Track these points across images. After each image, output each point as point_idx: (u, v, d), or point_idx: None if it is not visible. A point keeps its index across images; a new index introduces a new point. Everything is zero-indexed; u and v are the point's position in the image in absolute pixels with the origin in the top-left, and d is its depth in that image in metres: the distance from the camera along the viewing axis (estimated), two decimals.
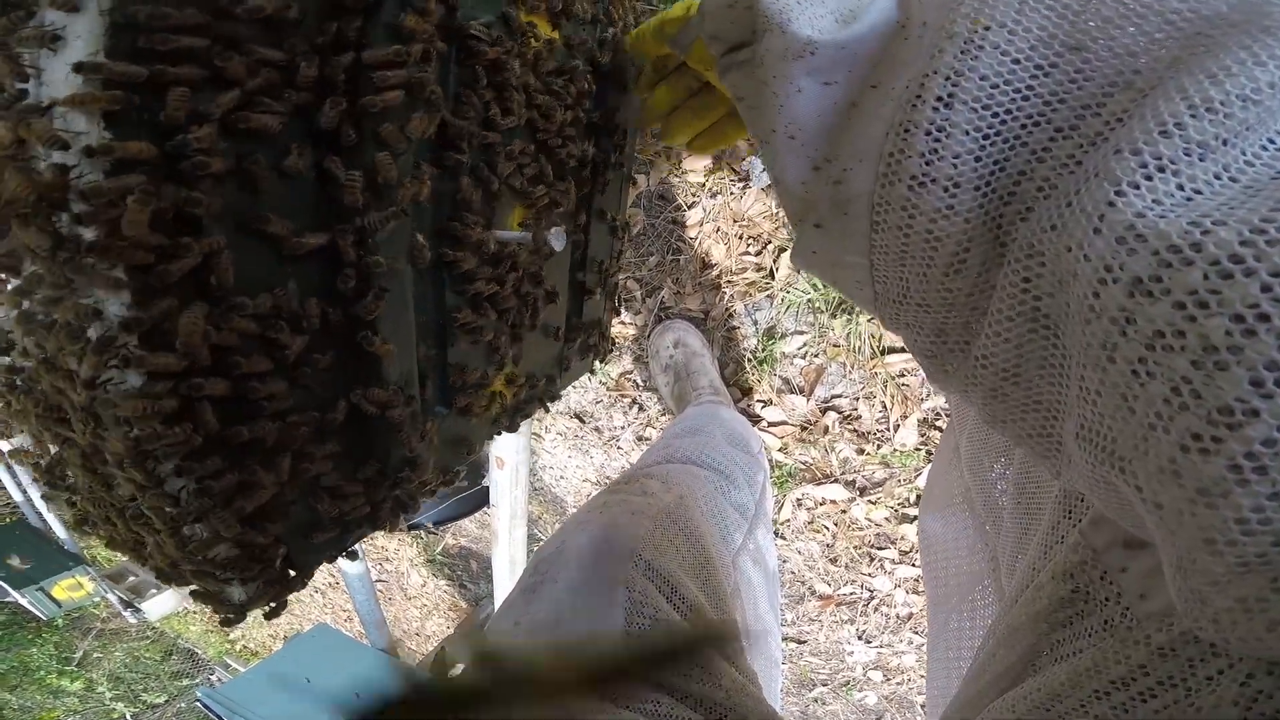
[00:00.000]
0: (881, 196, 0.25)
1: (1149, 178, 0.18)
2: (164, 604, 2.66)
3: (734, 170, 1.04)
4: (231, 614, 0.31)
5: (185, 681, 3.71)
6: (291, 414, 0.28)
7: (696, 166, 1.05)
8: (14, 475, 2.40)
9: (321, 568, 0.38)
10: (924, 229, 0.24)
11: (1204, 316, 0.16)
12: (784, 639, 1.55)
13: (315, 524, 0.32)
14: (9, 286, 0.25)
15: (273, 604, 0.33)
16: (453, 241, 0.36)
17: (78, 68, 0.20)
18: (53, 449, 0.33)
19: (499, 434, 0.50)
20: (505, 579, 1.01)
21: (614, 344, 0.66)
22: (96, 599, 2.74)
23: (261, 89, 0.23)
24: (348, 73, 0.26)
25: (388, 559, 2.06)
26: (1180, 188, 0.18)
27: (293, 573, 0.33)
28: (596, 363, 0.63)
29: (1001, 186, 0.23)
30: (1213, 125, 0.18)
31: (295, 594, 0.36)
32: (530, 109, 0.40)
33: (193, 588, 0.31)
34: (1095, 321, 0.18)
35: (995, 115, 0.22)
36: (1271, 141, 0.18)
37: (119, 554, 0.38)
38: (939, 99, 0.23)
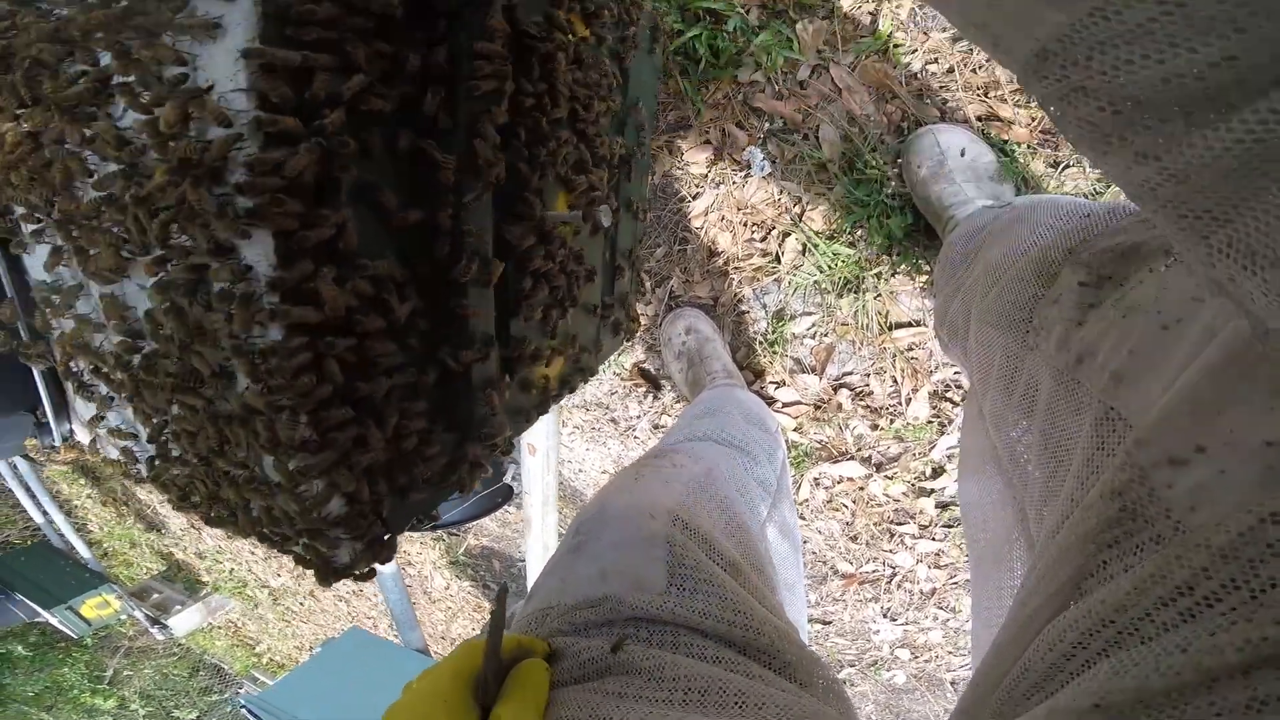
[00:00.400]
0: None
1: None
2: (189, 620, 2.69)
3: (735, 161, 1.08)
4: (334, 576, 0.34)
5: (214, 697, 3.73)
6: (396, 373, 0.32)
7: (699, 159, 1.09)
8: (34, 498, 2.43)
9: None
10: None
11: None
12: (809, 620, 1.57)
13: (410, 484, 0.36)
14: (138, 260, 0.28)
15: (370, 567, 0.36)
16: (515, 219, 0.40)
17: (245, 53, 0.23)
18: (167, 420, 0.36)
19: (548, 409, 0.54)
20: (539, 566, 1.04)
21: (639, 322, 0.69)
22: (123, 616, 2.76)
23: (378, 78, 0.27)
24: (442, 67, 0.29)
25: (410, 562, 2.08)
26: None
27: (387, 536, 0.36)
28: (627, 336, 0.67)
29: None
30: None
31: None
32: (572, 101, 0.44)
33: (297, 551, 0.34)
34: None
35: None
36: None
37: (219, 529, 0.41)
38: None
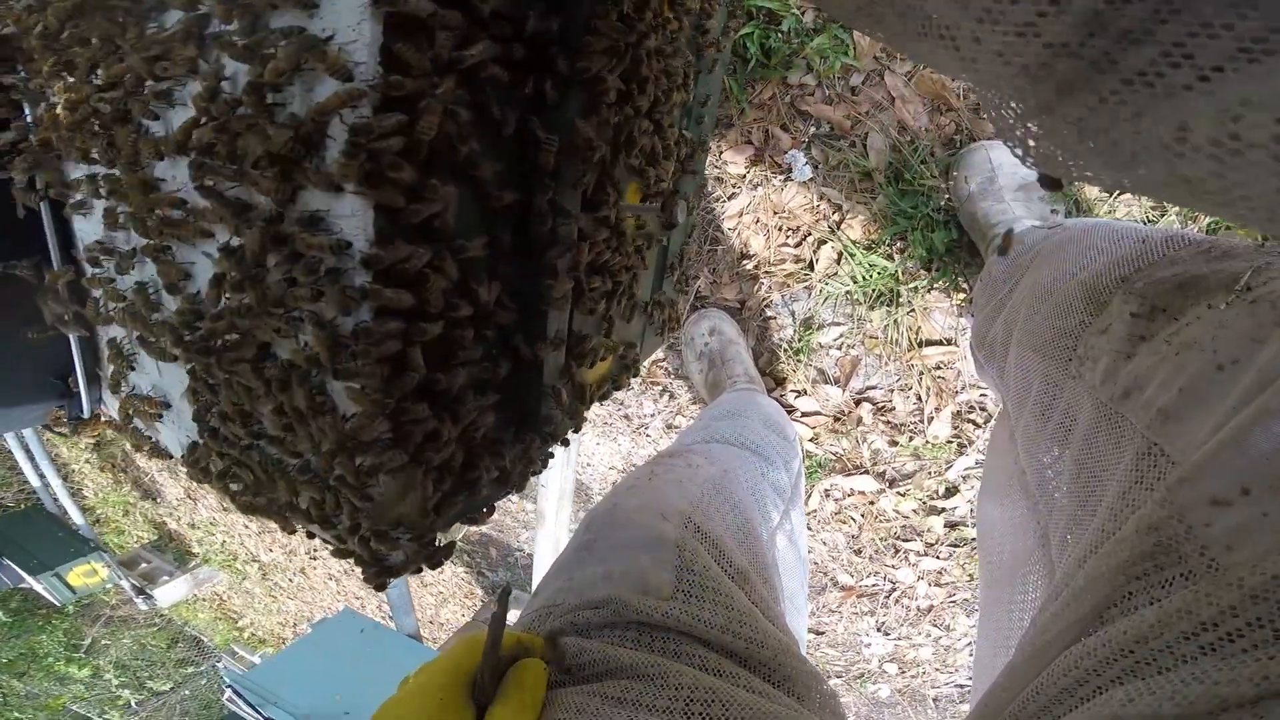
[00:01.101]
0: None
1: None
2: (175, 591, 2.67)
3: (775, 163, 1.06)
4: (387, 575, 0.33)
5: (190, 669, 3.70)
6: (473, 365, 0.30)
7: (738, 159, 1.07)
8: (32, 460, 2.40)
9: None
10: None
11: None
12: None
13: (476, 480, 0.34)
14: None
15: (421, 565, 0.34)
16: (591, 207, 0.38)
17: (376, 0, 0.21)
18: (217, 400, 0.34)
19: (596, 404, 0.52)
20: (548, 561, 1.03)
21: (681, 321, 0.68)
22: (109, 585, 2.74)
23: (495, 42, 0.25)
24: (553, 37, 0.27)
25: None
26: None
27: (444, 538, 0.35)
28: (668, 335, 0.65)
29: None
30: None
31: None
32: (655, 89, 0.42)
33: (350, 548, 0.33)
34: None
35: None
36: None
37: (255, 516, 0.39)
38: None
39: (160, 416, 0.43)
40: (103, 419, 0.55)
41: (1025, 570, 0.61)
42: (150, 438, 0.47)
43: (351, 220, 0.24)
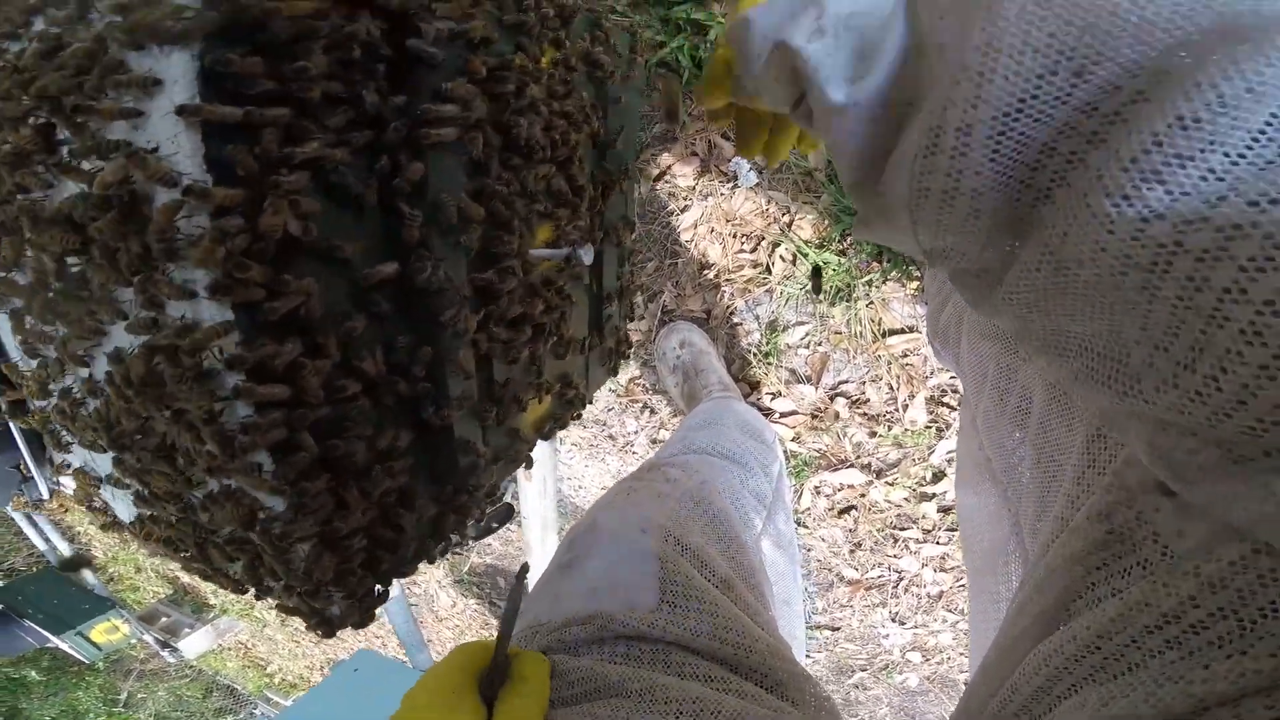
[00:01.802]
0: (915, 203, 0.28)
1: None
2: (200, 642, 2.68)
3: (722, 172, 1.07)
4: (330, 628, 0.34)
5: (229, 717, 3.71)
6: (372, 434, 0.31)
7: (686, 171, 1.08)
8: (35, 525, 2.42)
9: None
10: (958, 219, 0.27)
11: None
12: (817, 627, 1.56)
13: (398, 539, 0.35)
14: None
15: (360, 617, 0.35)
16: (492, 260, 0.39)
17: (180, 110, 0.22)
18: (148, 483, 0.35)
19: (536, 444, 0.53)
20: None
21: (631, 346, 0.69)
22: (134, 640, 2.75)
23: (339, 126, 0.26)
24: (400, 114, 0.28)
25: (415, 581, 2.07)
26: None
27: (380, 588, 0.35)
28: (617, 367, 0.66)
29: (1019, 179, 0.25)
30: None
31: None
32: (549, 132, 0.43)
33: (292, 605, 0.34)
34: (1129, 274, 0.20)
35: (1010, 127, 0.25)
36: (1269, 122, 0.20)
37: (210, 584, 0.40)
38: (958, 127, 0.26)
39: (98, 490, 0.45)
40: (63, 495, 0.56)
41: (1004, 559, 0.61)
42: (106, 511, 0.48)
43: (215, 324, 0.25)
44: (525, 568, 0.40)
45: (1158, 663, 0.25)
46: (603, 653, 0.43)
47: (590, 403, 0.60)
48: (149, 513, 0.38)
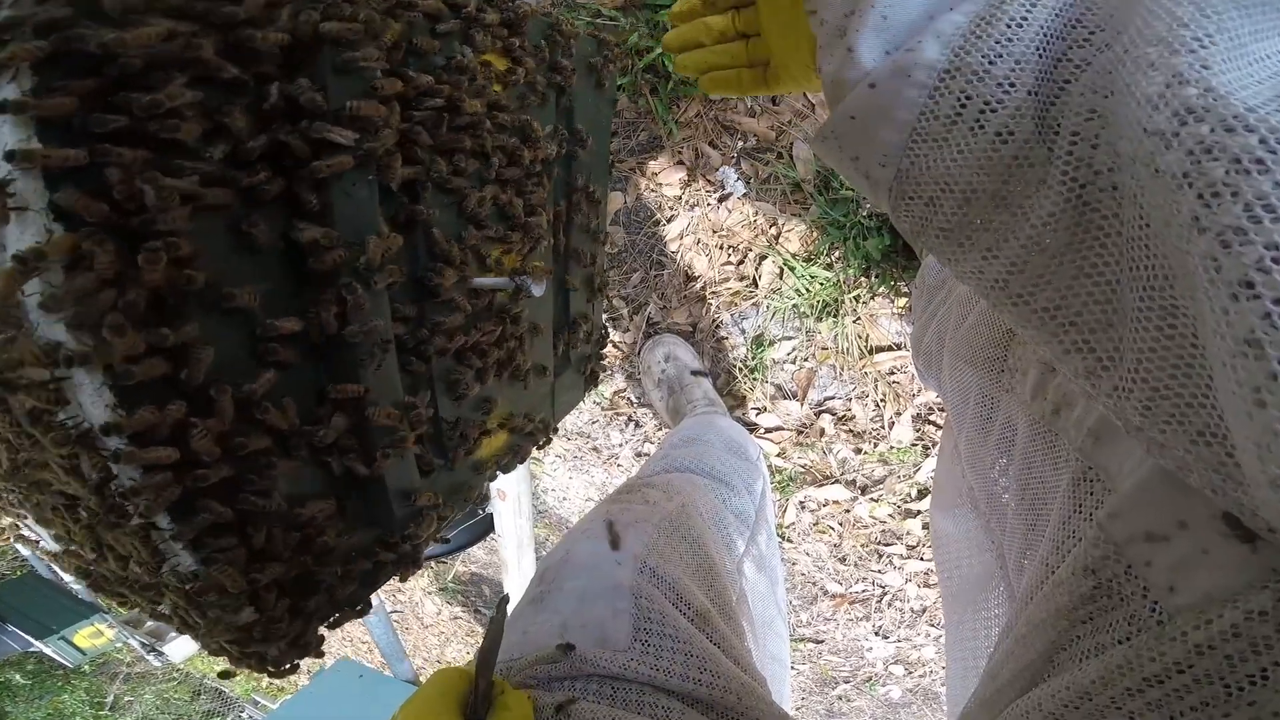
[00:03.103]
0: (952, 64, 0.26)
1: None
2: (186, 646, 2.65)
3: (709, 181, 1.05)
4: (269, 668, 0.31)
5: None
6: (288, 489, 0.28)
7: (672, 180, 1.05)
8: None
9: None
10: (982, 97, 0.25)
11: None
12: (801, 639, 1.55)
13: (330, 586, 0.32)
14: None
15: (300, 655, 0.33)
16: (429, 294, 0.36)
17: (8, 156, 0.19)
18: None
19: (496, 476, 0.50)
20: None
21: (603, 367, 0.66)
22: (119, 644, 2.74)
23: (219, 159, 0.23)
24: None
25: (400, 590, 2.05)
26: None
27: (316, 629, 0.33)
28: (590, 389, 0.63)
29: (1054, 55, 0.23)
30: None
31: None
32: (496, 151, 0.40)
33: (228, 649, 0.31)
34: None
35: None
36: None
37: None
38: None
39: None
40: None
41: (986, 593, 0.60)
42: (37, 543, 0.46)
43: (85, 389, 0.22)
44: (505, 599, 0.38)
45: None
46: (574, 690, 0.42)
47: (555, 432, 0.57)
48: (70, 547, 0.36)
